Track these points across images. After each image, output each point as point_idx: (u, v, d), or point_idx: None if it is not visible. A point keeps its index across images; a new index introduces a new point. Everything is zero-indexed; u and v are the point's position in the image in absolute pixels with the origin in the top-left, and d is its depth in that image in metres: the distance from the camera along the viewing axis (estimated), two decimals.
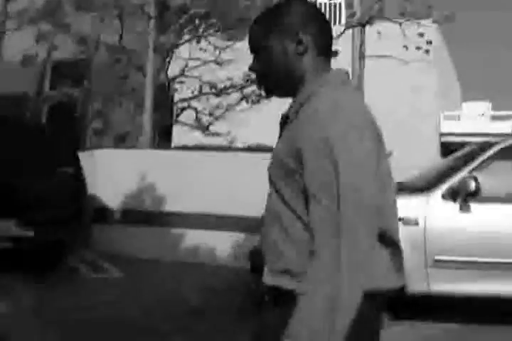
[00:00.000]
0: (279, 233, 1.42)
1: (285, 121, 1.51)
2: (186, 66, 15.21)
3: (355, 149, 1.30)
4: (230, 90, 14.93)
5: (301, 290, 1.28)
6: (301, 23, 1.48)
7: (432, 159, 23.12)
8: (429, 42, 12.38)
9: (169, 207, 9.03)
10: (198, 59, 15.45)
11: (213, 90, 15.06)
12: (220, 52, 14.72)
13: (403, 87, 28.94)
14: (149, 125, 11.57)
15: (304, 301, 1.25)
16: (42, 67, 30.38)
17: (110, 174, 9.38)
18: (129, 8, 13.30)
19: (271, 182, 1.47)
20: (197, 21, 13.98)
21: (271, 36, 1.49)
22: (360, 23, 11.25)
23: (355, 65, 12.83)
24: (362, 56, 11.42)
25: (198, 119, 15.43)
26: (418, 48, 12.35)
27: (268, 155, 1.56)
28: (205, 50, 14.63)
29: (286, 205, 1.40)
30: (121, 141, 16.01)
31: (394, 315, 5.32)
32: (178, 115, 15.44)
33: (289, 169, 1.38)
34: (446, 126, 34.19)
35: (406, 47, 11.97)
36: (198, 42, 14.25)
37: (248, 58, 1.66)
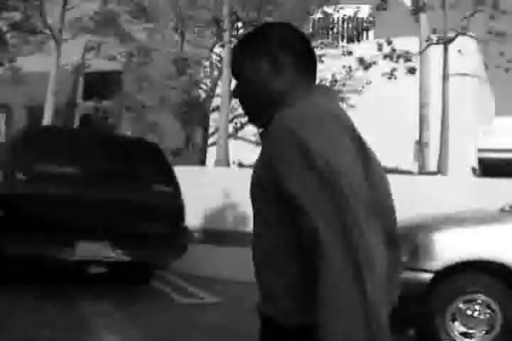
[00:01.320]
0: (261, 257, 1.39)
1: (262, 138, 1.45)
2: None
3: (331, 154, 1.21)
4: None
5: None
6: (278, 45, 1.46)
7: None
8: (510, 62, 11.94)
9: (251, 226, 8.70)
10: None
11: None
12: None
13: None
14: (224, 142, 11.19)
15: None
16: (75, 78, 30.44)
17: (190, 192, 9.04)
18: (199, 21, 13.02)
19: (252, 203, 1.41)
20: None
21: (248, 60, 1.47)
22: (442, 41, 10.82)
23: (424, 82, 12.45)
24: (446, 75, 10.96)
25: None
26: (498, 67, 11.92)
27: None
28: None
29: (267, 227, 1.34)
30: (176, 156, 15.71)
31: None
32: (237, 130, 15.10)
33: (268, 187, 1.31)
34: (483, 142, 33.45)
35: (486, 66, 11.54)
36: None
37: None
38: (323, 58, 14.67)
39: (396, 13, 21.47)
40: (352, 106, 14.32)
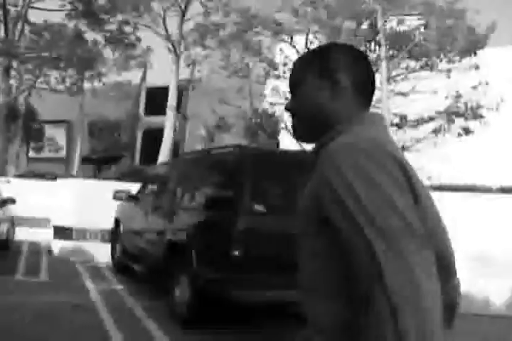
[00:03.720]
0: (307, 290, 1.38)
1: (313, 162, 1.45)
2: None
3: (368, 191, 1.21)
4: (417, 123, 13.73)
5: None
6: (341, 67, 1.46)
7: None
8: None
9: None
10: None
11: (403, 121, 13.79)
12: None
13: None
14: None
15: None
16: (137, 94, 29.86)
17: None
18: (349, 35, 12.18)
19: (298, 234, 1.41)
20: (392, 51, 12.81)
21: (308, 77, 1.49)
22: None
23: None
24: None
25: None
26: None
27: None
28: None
29: (312, 257, 1.35)
30: None
31: None
32: None
33: (314, 219, 1.32)
34: None
35: None
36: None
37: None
38: (450, 74, 13.85)
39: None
40: (485, 123, 13.47)
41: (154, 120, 29.85)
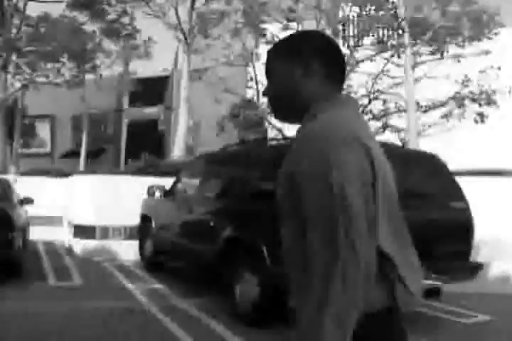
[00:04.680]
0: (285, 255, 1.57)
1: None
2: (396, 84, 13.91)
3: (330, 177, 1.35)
4: (428, 108, 13.72)
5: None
6: (312, 52, 1.56)
7: None
8: None
9: None
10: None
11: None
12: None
13: None
14: None
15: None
16: (121, 85, 29.29)
17: None
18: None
19: (280, 210, 1.55)
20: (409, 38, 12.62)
21: (281, 61, 1.59)
22: None
23: None
24: None
25: (401, 138, 14.03)
26: None
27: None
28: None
29: (286, 227, 1.54)
30: None
31: None
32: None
33: (289, 193, 1.47)
34: None
35: None
36: (399, 56, 13.00)
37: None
38: (461, 58, 13.83)
39: None
40: (498, 107, 13.51)
41: (140, 112, 29.41)
